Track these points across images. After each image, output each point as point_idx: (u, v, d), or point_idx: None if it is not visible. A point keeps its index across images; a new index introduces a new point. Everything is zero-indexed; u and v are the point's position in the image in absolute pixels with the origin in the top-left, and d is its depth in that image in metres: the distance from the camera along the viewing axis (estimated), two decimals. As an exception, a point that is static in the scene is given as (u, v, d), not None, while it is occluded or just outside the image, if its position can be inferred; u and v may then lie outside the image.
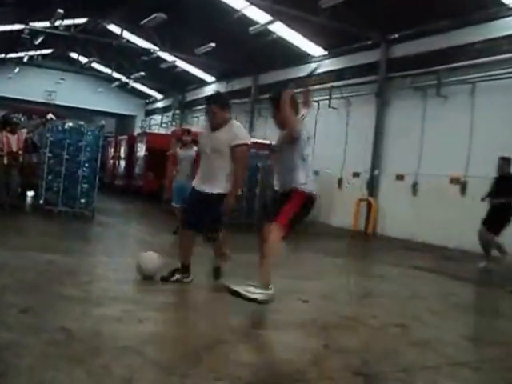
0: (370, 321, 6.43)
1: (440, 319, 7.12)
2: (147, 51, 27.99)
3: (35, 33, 27.62)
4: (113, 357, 4.23)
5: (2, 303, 5.49)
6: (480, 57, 15.72)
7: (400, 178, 18.10)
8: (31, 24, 26.24)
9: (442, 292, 9.04)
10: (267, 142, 19.29)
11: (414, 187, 17.55)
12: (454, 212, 15.56)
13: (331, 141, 20.41)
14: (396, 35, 18.69)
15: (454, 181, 16.14)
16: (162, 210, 18.91)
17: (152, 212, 19.96)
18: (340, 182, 20.49)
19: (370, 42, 19.46)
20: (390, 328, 6.24)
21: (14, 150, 13.91)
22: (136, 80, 36.07)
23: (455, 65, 16.51)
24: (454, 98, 16.63)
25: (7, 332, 4.52)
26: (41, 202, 14.16)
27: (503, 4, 15.03)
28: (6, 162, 13.69)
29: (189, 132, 12.64)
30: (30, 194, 15.82)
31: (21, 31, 27.76)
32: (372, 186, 19.20)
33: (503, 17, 15.22)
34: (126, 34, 26.90)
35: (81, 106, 38.18)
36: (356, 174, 19.82)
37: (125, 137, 28.67)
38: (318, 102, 21.39)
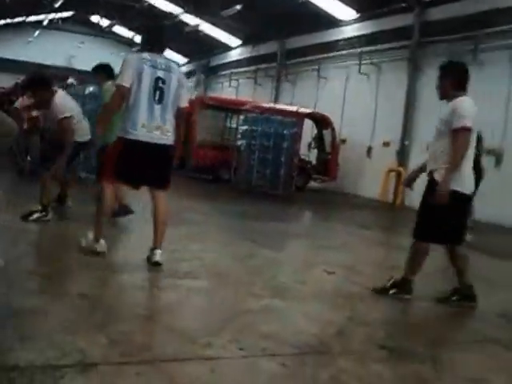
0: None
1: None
2: (171, 14, 27.18)
3: (55, -5, 26.99)
4: (133, 324, 4.28)
5: (25, 270, 5.43)
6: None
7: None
8: (52, -15, 25.69)
9: (473, 266, 8.46)
10: (293, 108, 18.67)
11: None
12: (488, 184, 14.82)
13: (360, 108, 19.81)
14: (431, -3, 17.79)
15: (490, 152, 15.35)
16: (186, 177, 18.49)
17: (176, 179, 19.30)
18: (369, 150, 19.81)
19: (403, 5, 18.68)
20: (418, 302, 6.04)
21: (34, 115, 13.35)
22: (159, 44, 35.32)
23: (494, 29, 15.75)
24: (491, 65, 15.82)
25: (29, 298, 4.51)
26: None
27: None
28: (26, 127, 13.17)
29: None
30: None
31: (41, -7, 27.21)
32: (402, 155, 18.51)
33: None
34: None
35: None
36: (386, 143, 19.11)
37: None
38: (347, 67, 20.80)
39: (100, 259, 6.09)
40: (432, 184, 5.66)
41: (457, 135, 5.52)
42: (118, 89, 6.01)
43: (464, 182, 5.64)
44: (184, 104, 6.26)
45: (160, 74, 5.90)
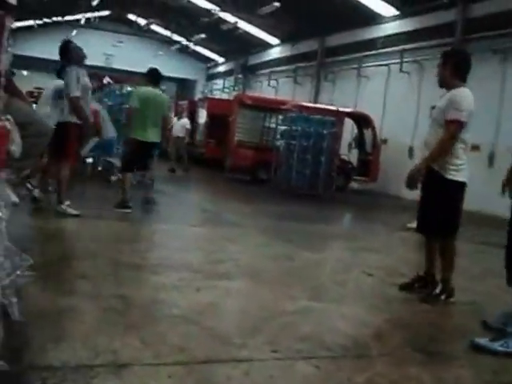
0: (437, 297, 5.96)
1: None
2: (208, 12, 27.19)
3: (92, -6, 27.23)
4: (168, 325, 4.23)
5: (62, 269, 5.51)
6: None
7: (475, 148, 16.99)
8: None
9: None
10: (333, 107, 18.50)
11: (491, 158, 16.46)
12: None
13: (402, 107, 19.56)
14: (475, -7, 17.47)
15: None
16: (224, 177, 18.45)
17: (214, 180, 19.40)
18: (411, 151, 19.51)
19: (445, 1, 18.33)
20: (460, 305, 5.91)
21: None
22: (197, 43, 35.47)
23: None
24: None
25: (66, 297, 4.53)
26: (99, 168, 13.84)
27: None
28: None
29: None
30: (89, 159, 15.49)
31: (78, -8, 27.48)
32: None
33: None
34: (186, -6, 26.22)
35: (140, 70, 37.74)
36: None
37: (185, 102, 28.14)
38: (388, 65, 20.54)
39: (137, 259, 6.09)
40: (433, 175, 5.59)
41: (448, 127, 5.46)
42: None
43: (465, 171, 5.64)
44: None
45: None
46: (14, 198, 4.56)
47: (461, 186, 5.65)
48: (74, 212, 7.98)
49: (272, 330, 4.37)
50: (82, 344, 3.59)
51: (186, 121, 20.40)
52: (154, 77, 9.73)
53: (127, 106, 9.63)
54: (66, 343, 3.58)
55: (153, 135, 9.53)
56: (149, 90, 9.59)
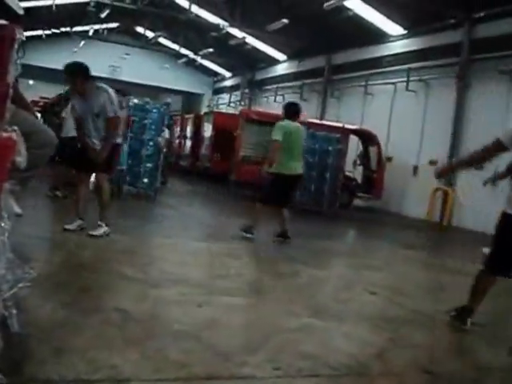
0: (441, 317, 5.95)
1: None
2: (216, 27, 27.29)
3: (101, 6, 27.39)
4: (169, 340, 4.20)
5: (61, 281, 5.44)
6: None
7: (479, 167, 16.95)
8: (97, -4, 26.02)
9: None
10: (339, 124, 18.50)
11: (495, 178, 16.40)
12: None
13: (407, 126, 19.58)
14: (481, 14, 17.54)
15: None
16: (229, 192, 18.40)
17: (218, 194, 19.37)
18: (415, 169, 19.49)
19: (452, 21, 18.41)
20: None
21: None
22: (204, 57, 35.50)
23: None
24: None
25: (65, 310, 4.49)
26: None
27: None
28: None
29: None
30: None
31: (87, 3, 27.62)
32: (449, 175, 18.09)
33: None
34: (195, 8, 26.35)
35: (146, 83, 38.01)
36: (432, 162, 18.76)
37: (191, 115, 28.19)
38: (394, 84, 20.59)
39: (138, 273, 6.06)
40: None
41: None
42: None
43: None
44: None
45: None
46: (18, 210, 4.54)
47: None
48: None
49: (274, 347, 4.34)
50: (81, 358, 3.56)
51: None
52: (292, 111, 9.81)
53: (272, 139, 9.56)
54: (65, 357, 3.55)
55: (299, 168, 9.71)
56: (290, 123, 9.62)
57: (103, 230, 7.74)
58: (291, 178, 9.60)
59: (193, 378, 3.60)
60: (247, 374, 3.76)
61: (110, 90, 7.73)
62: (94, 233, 7.64)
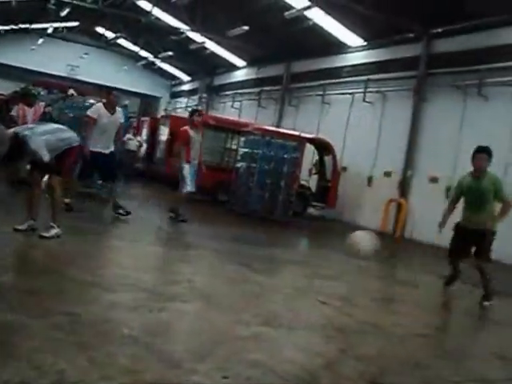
0: (391, 328, 6.19)
1: (468, 332, 7.02)
2: (177, 30, 27.18)
3: (61, 4, 27.02)
4: (118, 346, 4.15)
5: (9, 284, 5.38)
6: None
7: (434, 180, 17.21)
8: (58, -6, 25.70)
9: (473, 304, 8.38)
10: (295, 133, 18.54)
11: (448, 191, 16.66)
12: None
13: (363, 136, 19.77)
14: (439, 29, 17.76)
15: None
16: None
17: (172, 199, 19.15)
18: (370, 180, 19.65)
19: (411, 35, 18.60)
20: (413, 337, 6.02)
21: (29, 123, 13.21)
22: (163, 60, 35.35)
23: (499, 65, 15.65)
24: (495, 99, 15.81)
25: (12, 313, 4.41)
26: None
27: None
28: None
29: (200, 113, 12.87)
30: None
31: (47, 1, 27.23)
32: (404, 186, 18.33)
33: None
34: (156, 11, 26.22)
35: (104, 83, 37.50)
36: (387, 173, 18.98)
37: (147, 118, 27.96)
38: (352, 94, 20.74)
39: (90, 276, 5.95)
40: None
41: None
42: None
43: None
44: None
45: None
46: None
47: None
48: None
49: (223, 355, 4.32)
50: (27, 362, 3.50)
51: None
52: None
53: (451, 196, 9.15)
54: (10, 361, 3.49)
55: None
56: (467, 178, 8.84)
57: (54, 231, 7.59)
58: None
59: (140, 384, 3.53)
60: (196, 381, 3.73)
61: None
62: (45, 234, 7.49)
